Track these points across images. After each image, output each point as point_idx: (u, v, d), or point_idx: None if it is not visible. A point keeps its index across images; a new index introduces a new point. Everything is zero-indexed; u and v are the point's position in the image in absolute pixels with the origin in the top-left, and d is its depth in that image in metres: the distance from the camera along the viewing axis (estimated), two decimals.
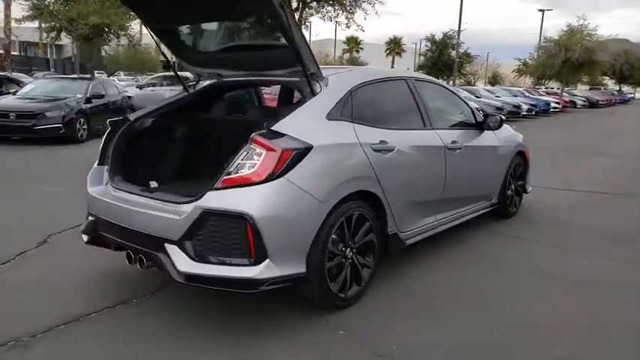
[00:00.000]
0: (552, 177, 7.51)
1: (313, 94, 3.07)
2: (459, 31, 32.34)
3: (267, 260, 2.60)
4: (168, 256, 2.69)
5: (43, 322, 2.82)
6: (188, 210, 2.68)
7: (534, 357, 2.66)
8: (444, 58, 36.00)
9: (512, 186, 5.17)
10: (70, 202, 4.89)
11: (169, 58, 3.89)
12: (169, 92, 16.33)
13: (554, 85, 43.17)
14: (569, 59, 31.35)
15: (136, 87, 17.72)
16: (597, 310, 3.19)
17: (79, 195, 3.69)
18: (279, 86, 4.37)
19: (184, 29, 3.58)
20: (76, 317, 2.90)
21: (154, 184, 3.51)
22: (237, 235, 2.60)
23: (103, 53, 29.82)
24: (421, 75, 4.18)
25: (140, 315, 3.00)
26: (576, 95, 37.55)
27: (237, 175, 2.65)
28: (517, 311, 3.16)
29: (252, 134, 2.70)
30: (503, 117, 4.38)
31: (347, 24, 23.44)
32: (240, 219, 2.58)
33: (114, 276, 3.52)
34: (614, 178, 7.94)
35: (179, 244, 2.67)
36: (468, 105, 4.61)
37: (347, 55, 60.41)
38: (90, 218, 3.25)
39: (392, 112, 3.69)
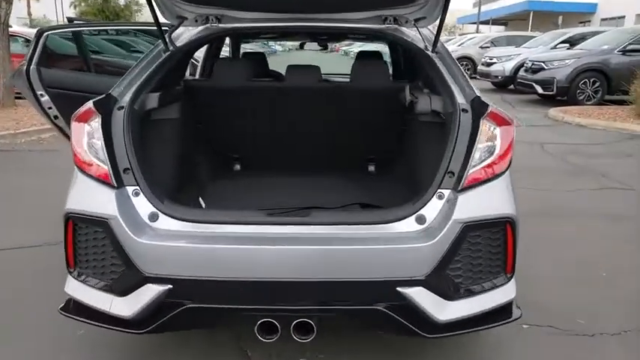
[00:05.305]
0: None
1: (434, 48, 2.38)
2: None
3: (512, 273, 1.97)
4: (410, 305, 1.79)
5: None
6: (418, 228, 1.84)
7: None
8: (110, 5, 33.29)
9: None
10: None
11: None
12: None
13: None
14: None
15: None
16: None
17: None
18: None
19: None
20: None
21: (201, 202, 2.52)
22: (496, 247, 1.90)
23: None
24: None
25: None
26: None
27: (482, 165, 1.88)
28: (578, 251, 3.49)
29: (489, 107, 1.95)
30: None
31: None
32: (500, 225, 1.88)
33: None
34: None
35: (427, 282, 1.79)
36: None
37: None
38: (158, 288, 1.78)
39: None
